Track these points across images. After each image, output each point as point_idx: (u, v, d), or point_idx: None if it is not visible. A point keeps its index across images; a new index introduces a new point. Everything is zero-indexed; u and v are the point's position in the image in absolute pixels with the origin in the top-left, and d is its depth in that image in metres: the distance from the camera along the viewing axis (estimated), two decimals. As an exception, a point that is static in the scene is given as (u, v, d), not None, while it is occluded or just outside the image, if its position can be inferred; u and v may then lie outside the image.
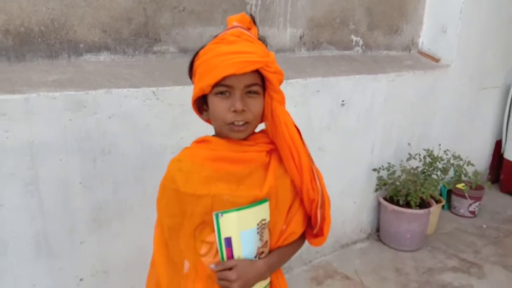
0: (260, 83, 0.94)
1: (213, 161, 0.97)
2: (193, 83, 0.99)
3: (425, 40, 3.25)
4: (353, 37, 2.72)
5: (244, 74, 0.89)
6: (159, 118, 1.68)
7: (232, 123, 0.93)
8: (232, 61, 0.87)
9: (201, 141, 1.02)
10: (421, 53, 3.25)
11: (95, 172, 1.56)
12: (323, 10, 2.48)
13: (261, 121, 1.00)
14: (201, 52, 0.95)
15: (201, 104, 1.00)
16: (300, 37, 2.41)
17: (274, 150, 1.01)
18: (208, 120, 1.02)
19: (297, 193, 1.02)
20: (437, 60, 3.18)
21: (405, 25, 3.07)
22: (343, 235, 2.73)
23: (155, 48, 1.88)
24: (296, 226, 1.04)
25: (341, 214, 2.65)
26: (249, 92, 0.93)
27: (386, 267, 2.57)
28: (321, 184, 1.00)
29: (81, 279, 1.63)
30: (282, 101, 0.97)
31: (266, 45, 0.96)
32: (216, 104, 0.93)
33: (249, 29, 0.94)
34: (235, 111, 0.91)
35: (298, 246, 1.08)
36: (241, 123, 0.93)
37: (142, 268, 1.70)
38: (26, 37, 1.55)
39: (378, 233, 2.94)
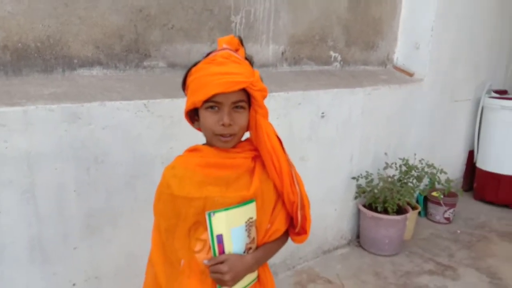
0: (246, 99, 1.06)
1: (204, 167, 1.08)
2: (186, 95, 1.11)
3: (400, 55, 3.44)
4: (332, 53, 2.88)
5: (232, 92, 1.01)
6: (150, 129, 1.78)
7: (220, 135, 1.06)
8: (221, 81, 1.00)
9: (193, 149, 1.13)
10: (396, 68, 3.44)
11: (88, 180, 1.65)
12: (303, 27, 2.63)
13: (247, 130, 1.12)
14: (194, 69, 1.07)
15: (193, 115, 1.12)
16: (282, 53, 2.56)
17: (258, 156, 1.13)
18: (199, 129, 1.13)
19: (279, 195, 1.13)
20: (411, 74, 3.37)
21: (381, 41, 3.26)
22: (325, 241, 2.84)
23: (145, 63, 1.99)
24: (280, 224, 1.15)
25: (323, 221, 2.77)
26: (236, 107, 1.05)
27: (366, 271, 2.69)
28: (301, 188, 1.12)
29: (74, 284, 1.70)
30: (265, 115, 1.10)
31: (252, 64, 1.08)
32: (207, 117, 1.05)
33: (236, 50, 1.06)
34: (223, 125, 1.04)
35: (282, 242, 1.19)
36: (228, 134, 1.06)
37: (132, 274, 1.79)
38: (23, 52, 1.64)
39: (358, 239, 3.06)
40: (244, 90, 1.04)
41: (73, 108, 1.56)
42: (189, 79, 1.08)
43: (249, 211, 1.09)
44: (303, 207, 1.13)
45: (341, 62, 2.97)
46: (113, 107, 1.67)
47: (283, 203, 1.14)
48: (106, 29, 1.84)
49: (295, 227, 1.17)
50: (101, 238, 1.73)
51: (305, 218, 1.15)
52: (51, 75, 1.72)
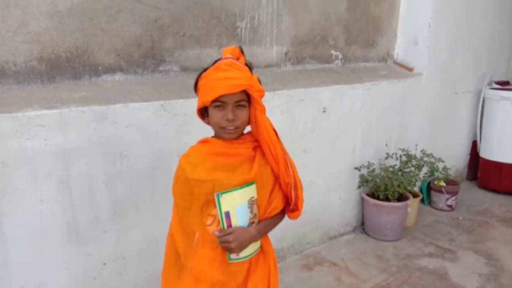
0: (246, 98, 1.29)
1: (213, 155, 1.32)
2: (197, 96, 1.34)
3: (400, 51, 3.61)
4: (333, 52, 3.07)
5: (234, 93, 1.24)
6: (166, 126, 2.01)
7: (225, 127, 1.29)
8: (226, 84, 1.23)
9: (204, 141, 1.38)
10: (396, 63, 3.61)
11: (115, 172, 1.89)
12: (305, 29, 2.83)
13: (248, 124, 1.35)
14: (204, 74, 1.31)
15: (203, 112, 1.35)
16: (285, 54, 2.76)
17: (258, 146, 1.35)
18: (208, 123, 1.36)
19: (276, 178, 1.36)
20: (410, 69, 3.53)
21: (380, 39, 3.43)
22: (331, 228, 3.04)
23: (161, 68, 2.22)
24: (277, 203, 1.37)
25: (328, 209, 2.97)
26: (238, 105, 1.28)
27: (369, 254, 2.88)
28: (294, 171, 1.34)
29: (104, 264, 1.94)
30: (263, 111, 1.32)
31: (252, 68, 1.31)
32: (214, 114, 1.29)
33: (238, 58, 1.29)
34: (227, 120, 1.27)
35: (279, 218, 1.42)
36: (232, 128, 1.29)
37: (154, 254, 2.03)
38: (56, 62, 1.89)
39: (363, 226, 3.25)
40: (244, 91, 1.26)
41: (100, 109, 1.80)
42: (199, 83, 1.31)
43: (251, 191, 1.31)
44: (296, 188, 1.35)
45: (342, 60, 3.16)
46: (134, 108, 1.90)
47: (280, 185, 1.36)
48: (126, 39, 2.07)
49: (289, 205, 1.39)
50: (126, 223, 1.97)
51: (297, 197, 1.37)
52: (80, 81, 1.97)
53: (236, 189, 1.29)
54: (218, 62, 1.29)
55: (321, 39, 2.96)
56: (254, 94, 1.27)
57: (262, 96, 1.30)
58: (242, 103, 1.28)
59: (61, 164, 1.74)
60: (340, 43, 3.10)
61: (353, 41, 3.20)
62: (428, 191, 3.70)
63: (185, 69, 2.30)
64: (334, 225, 3.06)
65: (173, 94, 2.08)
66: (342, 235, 3.13)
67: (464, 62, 3.84)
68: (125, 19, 2.04)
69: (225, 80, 1.23)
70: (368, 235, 3.16)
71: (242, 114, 1.29)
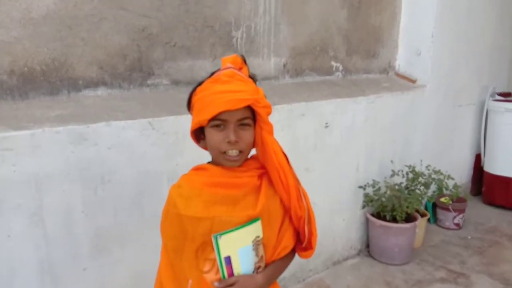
0: (251, 116, 1.07)
1: (210, 186, 1.08)
2: (191, 114, 1.12)
3: (401, 62, 3.45)
4: (333, 63, 2.89)
5: (237, 109, 1.02)
6: (155, 146, 1.79)
7: (225, 153, 1.06)
8: (226, 99, 1.01)
9: (199, 168, 1.14)
10: (398, 75, 3.45)
11: (96, 200, 1.65)
12: (304, 39, 2.65)
13: (253, 147, 1.12)
14: (198, 89, 1.08)
15: (198, 134, 1.13)
16: (284, 65, 2.57)
17: (264, 173, 1.13)
18: (205, 148, 1.14)
19: (286, 211, 1.13)
20: (413, 81, 3.37)
21: (382, 49, 3.27)
22: (334, 252, 2.82)
23: (148, 82, 2.01)
24: (288, 241, 1.15)
25: (332, 232, 2.75)
26: (241, 124, 1.06)
27: (377, 281, 2.66)
28: (307, 203, 1.12)
29: (84, 305, 1.69)
30: (270, 131, 1.10)
31: (256, 81, 1.09)
32: (212, 135, 1.06)
33: (240, 69, 1.07)
34: (229, 142, 1.04)
35: (290, 259, 1.19)
36: (235, 153, 1.06)
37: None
38: (29, 76, 1.67)
39: (368, 248, 3.04)
40: (249, 107, 1.05)
41: (79, 129, 1.58)
42: (194, 99, 1.09)
43: (256, 229, 1.09)
44: (310, 222, 1.13)
45: (343, 72, 2.98)
46: (118, 126, 1.68)
47: (290, 219, 1.14)
48: (110, 49, 1.86)
49: (301, 242, 1.17)
50: (110, 258, 1.73)
51: (311, 233, 1.15)
52: (57, 97, 1.74)
53: (238, 228, 1.06)
54: (217, 73, 1.07)
55: (321, 50, 2.79)
56: (260, 110, 1.05)
57: (269, 113, 1.09)
58: (246, 121, 1.06)
59: (32, 193, 1.50)
60: (340, 54, 2.92)
61: (353, 52, 3.03)
62: (433, 209, 3.51)
63: (176, 82, 2.08)
64: (338, 248, 2.84)
65: (162, 111, 1.86)
66: (346, 259, 2.91)
67: (467, 73, 3.70)
68: (108, 28, 1.83)
69: (226, 94, 1.02)
70: (374, 258, 2.94)
71: (247, 134, 1.07)
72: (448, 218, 3.41)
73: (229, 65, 1.07)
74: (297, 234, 1.18)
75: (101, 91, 1.86)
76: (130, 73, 1.94)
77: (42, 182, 1.52)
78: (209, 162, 1.16)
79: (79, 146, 1.58)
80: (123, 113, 1.76)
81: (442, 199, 3.39)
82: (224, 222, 1.05)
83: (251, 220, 1.07)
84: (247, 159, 1.14)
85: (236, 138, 1.04)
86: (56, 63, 1.73)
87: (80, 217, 1.63)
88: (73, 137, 1.56)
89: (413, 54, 3.38)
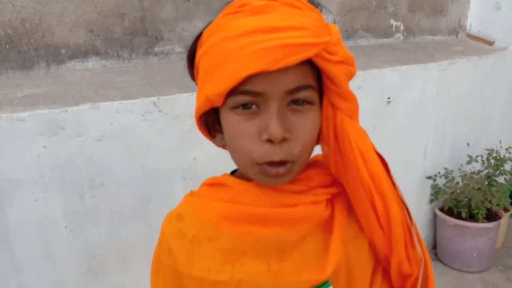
0: (314, 83, 0.54)
1: (235, 221, 0.58)
2: (197, 85, 0.61)
3: (474, 21, 2.80)
4: (393, 22, 2.31)
5: (285, 70, 0.49)
6: (163, 136, 1.32)
7: (265, 163, 0.53)
8: (262, 46, 0.48)
9: (215, 184, 0.63)
10: (471, 36, 2.80)
11: (83, 210, 1.22)
12: (357, -9, 2.08)
13: (317, 144, 0.60)
14: (206, 32, 0.56)
15: (211, 122, 0.62)
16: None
17: (338, 195, 0.61)
18: (223, 146, 0.63)
19: (379, 261, 0.62)
20: (490, 43, 2.72)
21: (450, 4, 2.63)
22: (395, 256, 2.30)
23: (156, 49, 1.54)
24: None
25: (392, 232, 2.23)
26: (295, 102, 0.53)
27: (452, 294, 2.14)
28: (423, 250, 0.60)
29: None
30: (353, 112, 0.57)
31: (321, 11, 0.56)
32: (236, 126, 0.54)
33: None
34: (270, 141, 0.52)
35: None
36: (282, 159, 0.53)
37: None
38: (-10, 44, 1.23)
39: (435, 250, 2.50)
40: (310, 66, 0.52)
41: (52, 114, 1.13)
42: (199, 52, 0.57)
43: None
44: (425, 283, 0.60)
45: (404, 33, 2.39)
46: (111, 110, 1.22)
47: (385, 275, 0.62)
48: (102, 6, 1.40)
49: None
50: (108, 283, 1.30)
51: None
52: (32, 71, 1.31)
53: None
54: None
55: (378, 5, 2.21)
56: (335, 70, 0.52)
57: (352, 75, 0.56)
58: (304, 94, 0.53)
59: (-9, 205, 1.08)
60: (401, 10, 2.33)
61: (417, 8, 2.42)
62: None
63: (192, 49, 1.60)
64: (399, 252, 2.32)
65: (173, 86, 1.39)
66: (409, 264, 2.39)
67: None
68: (97, -24, 1.36)
69: (262, 35, 0.48)
70: (444, 263, 2.39)
71: (307, 123, 0.54)
72: (533, 211, 2.79)
73: None
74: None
75: (92, 63, 1.41)
76: (131, 38, 1.48)
77: (3, 191, 1.09)
78: (233, 172, 0.65)
79: (54, 138, 1.13)
80: (118, 91, 1.29)
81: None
82: None
83: (316, 286, 0.56)
84: (305, 168, 0.60)
85: (284, 133, 0.51)
86: (27, 26, 1.28)
87: (63, 234, 1.20)
88: (43, 125, 1.11)
89: (490, 8, 2.73)
